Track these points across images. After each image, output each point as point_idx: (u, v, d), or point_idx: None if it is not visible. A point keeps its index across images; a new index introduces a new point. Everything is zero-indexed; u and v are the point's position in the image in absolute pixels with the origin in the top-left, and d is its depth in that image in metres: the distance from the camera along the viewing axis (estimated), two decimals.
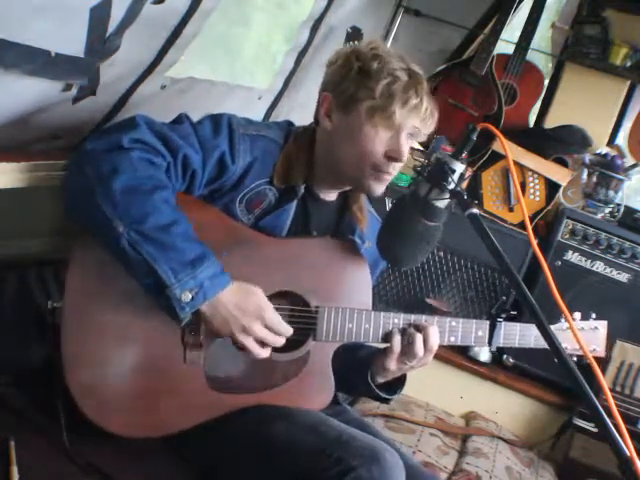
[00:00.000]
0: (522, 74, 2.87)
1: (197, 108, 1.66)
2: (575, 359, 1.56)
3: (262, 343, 1.37)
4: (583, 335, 1.64)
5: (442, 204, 1.37)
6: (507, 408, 2.65)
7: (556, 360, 1.07)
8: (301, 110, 2.48)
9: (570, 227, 2.58)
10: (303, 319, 1.45)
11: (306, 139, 1.55)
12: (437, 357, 1.54)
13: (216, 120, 1.45)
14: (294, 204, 1.52)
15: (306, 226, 1.56)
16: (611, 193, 2.64)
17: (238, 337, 1.34)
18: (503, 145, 1.36)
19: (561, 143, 2.80)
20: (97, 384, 1.35)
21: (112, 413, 1.36)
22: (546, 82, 3.01)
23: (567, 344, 1.57)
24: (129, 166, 1.28)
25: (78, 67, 1.32)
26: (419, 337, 1.46)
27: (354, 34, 2.43)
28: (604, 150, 2.74)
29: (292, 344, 1.45)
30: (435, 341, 1.48)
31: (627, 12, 2.84)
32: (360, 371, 1.56)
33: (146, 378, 1.37)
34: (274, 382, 1.46)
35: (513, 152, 2.57)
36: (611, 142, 2.95)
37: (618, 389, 2.43)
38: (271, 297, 1.41)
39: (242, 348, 1.37)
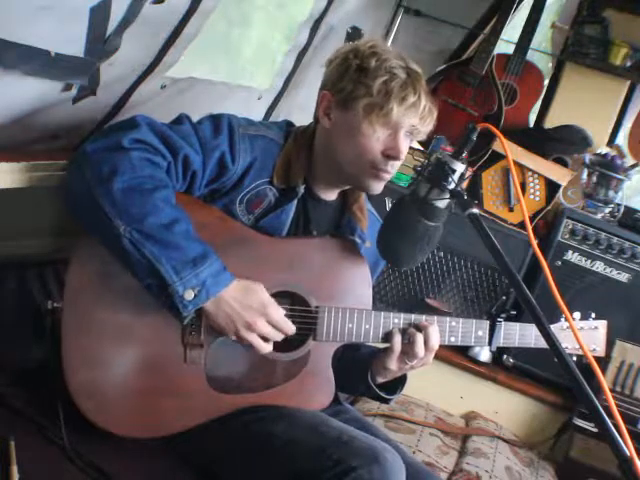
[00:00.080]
0: (522, 74, 2.87)
1: (197, 108, 1.66)
2: (575, 359, 1.55)
3: (264, 339, 1.37)
4: (583, 335, 1.63)
5: (442, 204, 1.37)
6: (507, 408, 2.65)
7: (556, 360, 1.07)
8: (301, 110, 2.48)
9: (570, 227, 2.58)
10: (303, 319, 1.45)
11: (306, 138, 1.55)
12: (437, 357, 1.54)
13: (216, 120, 1.45)
14: (294, 204, 1.52)
15: (306, 226, 1.56)
16: (611, 193, 2.64)
17: (242, 333, 1.34)
18: (503, 145, 1.36)
19: (561, 143, 2.80)
20: (97, 384, 1.35)
21: (112, 413, 1.36)
22: (546, 82, 3.01)
23: (567, 344, 1.57)
24: (129, 166, 1.28)
25: (78, 67, 1.32)
26: (420, 337, 1.46)
27: (354, 34, 2.43)
28: (604, 150, 2.74)
29: (292, 344, 1.45)
30: (436, 341, 1.48)
31: (627, 12, 2.84)
32: (360, 371, 1.56)
33: (146, 378, 1.37)
34: (274, 382, 1.46)
35: (513, 152, 2.57)
36: (611, 142, 2.95)
37: (618, 389, 2.43)
38: (271, 297, 1.41)
39: (245, 344, 1.37)
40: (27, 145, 1.50)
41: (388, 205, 2.45)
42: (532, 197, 2.66)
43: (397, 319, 1.50)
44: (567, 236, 2.58)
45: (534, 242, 1.26)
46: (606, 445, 0.97)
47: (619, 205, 2.68)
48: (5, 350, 1.49)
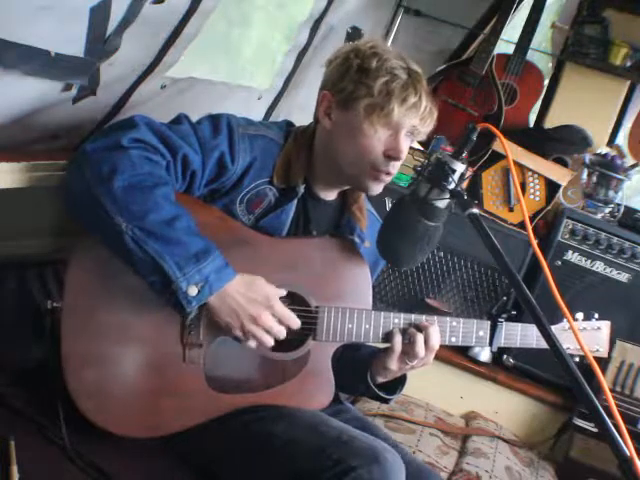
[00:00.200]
0: (522, 74, 2.87)
1: (197, 108, 1.66)
2: (577, 359, 1.55)
3: (268, 333, 1.37)
4: (586, 335, 1.63)
5: (442, 204, 1.37)
6: (507, 408, 2.65)
7: (556, 360, 1.07)
8: (301, 110, 2.48)
9: (570, 227, 2.58)
10: (303, 319, 1.45)
11: (306, 138, 1.55)
12: (437, 357, 1.53)
13: (215, 120, 1.45)
14: (294, 204, 1.52)
15: (306, 226, 1.56)
16: (611, 193, 2.64)
17: (248, 327, 1.34)
18: (503, 145, 1.36)
19: (561, 143, 2.80)
20: (96, 384, 1.35)
21: (111, 413, 1.36)
22: (546, 82, 3.01)
23: (569, 344, 1.57)
24: (129, 164, 1.28)
25: (78, 67, 1.32)
26: (420, 337, 1.46)
27: (354, 34, 2.43)
28: (604, 150, 2.74)
29: (292, 344, 1.45)
30: (436, 341, 1.48)
31: (627, 12, 2.84)
32: (360, 371, 1.56)
33: (145, 378, 1.37)
34: (274, 382, 1.46)
35: (513, 152, 2.57)
36: (611, 142, 2.95)
37: (618, 389, 2.43)
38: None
39: (246, 340, 1.37)
40: (27, 145, 1.50)
41: (388, 205, 2.45)
42: (532, 197, 2.66)
43: (397, 319, 1.50)
44: (567, 236, 2.58)
45: (534, 242, 1.26)
46: (606, 445, 0.97)
47: (619, 205, 2.68)
48: (5, 350, 1.49)
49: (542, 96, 3.00)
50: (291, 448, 1.35)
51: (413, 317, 1.51)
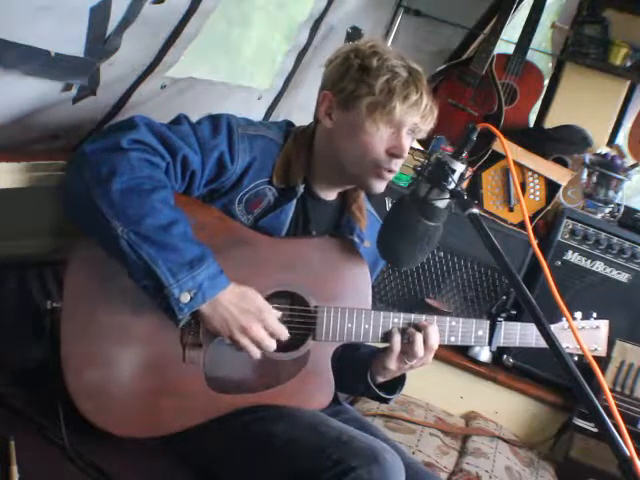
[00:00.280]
0: (522, 74, 2.87)
1: (197, 108, 1.66)
2: (576, 359, 1.55)
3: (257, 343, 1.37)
4: (584, 334, 1.63)
5: (442, 204, 1.37)
6: (507, 408, 2.65)
7: (556, 360, 1.07)
8: (301, 110, 2.48)
9: (570, 227, 2.58)
10: (302, 319, 1.45)
11: (306, 138, 1.55)
12: (437, 357, 1.54)
13: (215, 120, 1.45)
14: (293, 204, 1.52)
15: (305, 226, 1.56)
16: (611, 193, 2.64)
17: (236, 337, 1.34)
18: (503, 145, 1.36)
19: (561, 143, 2.80)
20: (96, 384, 1.35)
21: (111, 413, 1.36)
22: (546, 82, 3.01)
23: (568, 344, 1.57)
24: (128, 167, 1.28)
25: (78, 67, 1.32)
26: (419, 336, 1.46)
27: (354, 34, 2.43)
28: (604, 150, 2.74)
29: (292, 344, 1.45)
30: (435, 340, 1.48)
31: (627, 12, 2.85)
32: (360, 371, 1.56)
33: (145, 378, 1.37)
34: (274, 382, 1.46)
35: (513, 152, 2.57)
36: (611, 142, 2.95)
37: (618, 389, 2.43)
38: (270, 297, 1.41)
39: (240, 348, 1.37)
40: (27, 145, 1.50)
41: (388, 205, 2.45)
42: (532, 197, 2.66)
43: (397, 319, 1.50)
44: (567, 236, 2.58)
45: (534, 242, 1.26)
46: (606, 445, 0.97)
47: (619, 205, 2.68)
48: (5, 350, 1.49)
49: (542, 96, 3.00)
50: (291, 448, 1.35)
51: (413, 317, 1.51)
